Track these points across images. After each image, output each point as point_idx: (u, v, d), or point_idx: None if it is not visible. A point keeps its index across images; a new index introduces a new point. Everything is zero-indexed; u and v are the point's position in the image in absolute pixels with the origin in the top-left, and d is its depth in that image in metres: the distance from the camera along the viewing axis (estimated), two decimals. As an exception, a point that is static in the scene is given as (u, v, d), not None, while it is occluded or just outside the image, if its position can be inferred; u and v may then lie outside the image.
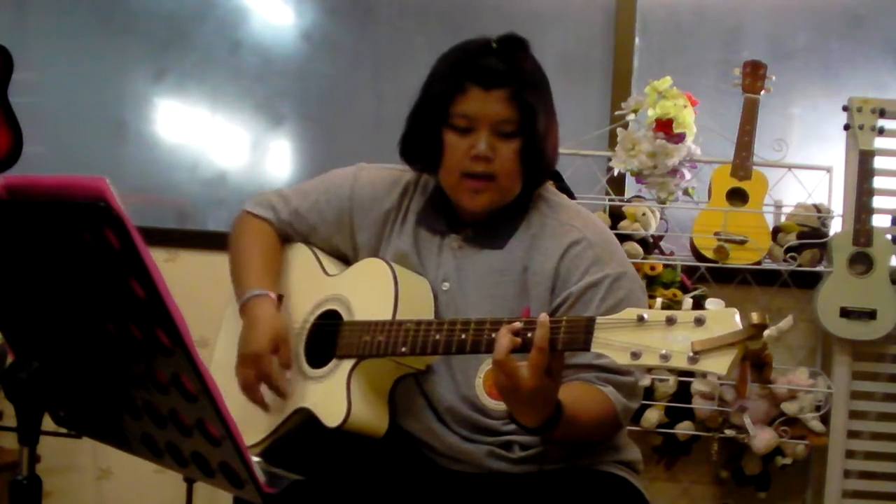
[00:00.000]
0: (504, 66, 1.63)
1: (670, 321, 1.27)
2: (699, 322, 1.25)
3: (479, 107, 1.63)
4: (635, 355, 1.28)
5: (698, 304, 1.32)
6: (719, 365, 1.22)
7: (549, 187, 1.80)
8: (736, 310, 1.25)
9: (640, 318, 1.29)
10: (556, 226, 1.69)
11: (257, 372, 1.69)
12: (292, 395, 1.71)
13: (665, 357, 1.25)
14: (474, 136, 1.63)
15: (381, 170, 1.85)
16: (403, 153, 1.75)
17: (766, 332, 1.22)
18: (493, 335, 1.45)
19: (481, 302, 1.66)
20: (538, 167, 1.68)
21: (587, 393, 1.56)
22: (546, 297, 1.64)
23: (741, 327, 1.22)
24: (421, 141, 1.70)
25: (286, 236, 1.88)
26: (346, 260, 1.85)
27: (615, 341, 1.31)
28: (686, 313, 1.27)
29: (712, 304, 1.28)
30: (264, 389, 1.71)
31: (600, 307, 1.59)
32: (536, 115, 1.63)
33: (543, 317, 1.38)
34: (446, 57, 1.69)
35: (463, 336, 1.51)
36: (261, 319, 1.71)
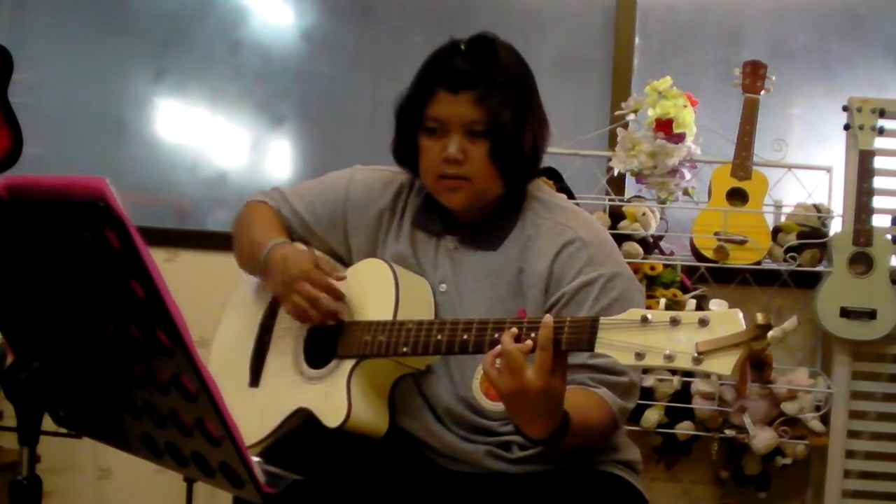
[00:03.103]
0: (472, 67, 1.63)
1: (674, 322, 1.27)
2: (703, 323, 1.25)
3: (447, 110, 1.63)
4: (639, 356, 1.28)
5: (700, 304, 1.32)
6: (723, 366, 1.22)
7: (546, 188, 1.80)
8: (740, 310, 1.25)
9: (644, 319, 1.29)
10: (551, 226, 1.69)
11: (311, 283, 1.67)
12: (292, 395, 1.71)
13: (669, 358, 1.25)
14: (446, 139, 1.64)
15: (375, 171, 1.85)
16: (395, 157, 1.77)
17: (771, 333, 1.22)
18: (496, 335, 1.45)
19: (477, 304, 1.66)
20: (515, 167, 1.67)
21: (586, 400, 1.55)
22: (540, 297, 1.64)
23: (745, 328, 1.23)
24: (403, 145, 1.72)
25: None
26: (343, 262, 1.85)
27: (619, 342, 1.31)
28: (690, 314, 1.27)
29: (716, 304, 1.29)
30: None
31: (594, 307, 1.59)
32: (504, 115, 1.63)
33: (548, 318, 1.37)
34: (424, 62, 1.70)
35: (465, 336, 1.51)
36: (292, 254, 1.73)
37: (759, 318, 1.21)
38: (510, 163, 1.66)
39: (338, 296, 1.69)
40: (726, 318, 1.25)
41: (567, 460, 1.64)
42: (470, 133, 1.64)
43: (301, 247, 1.84)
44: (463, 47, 1.66)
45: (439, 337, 1.54)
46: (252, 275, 1.87)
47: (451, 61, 1.65)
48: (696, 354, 1.23)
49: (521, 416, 1.42)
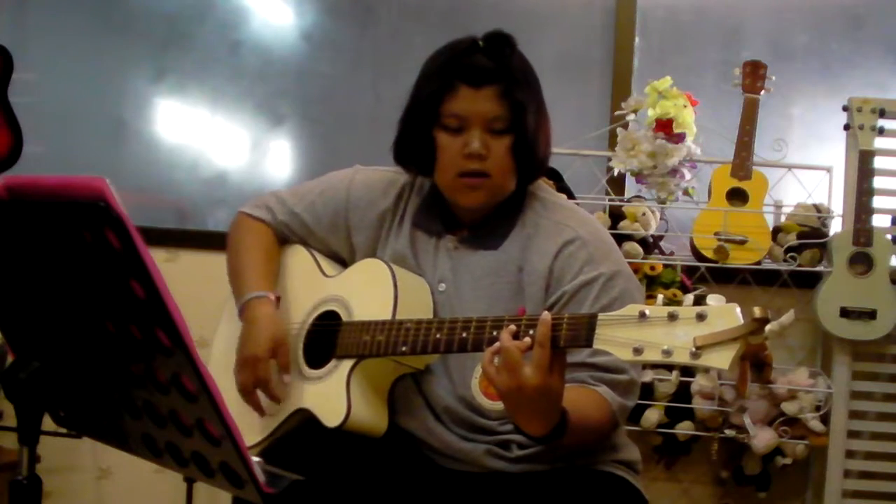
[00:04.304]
0: (492, 63, 1.63)
1: (672, 317, 1.27)
2: (701, 317, 1.25)
3: (469, 105, 1.63)
4: (637, 351, 1.28)
5: (698, 301, 1.32)
6: (721, 360, 1.22)
7: (545, 187, 1.80)
8: (737, 305, 1.25)
9: (642, 315, 1.30)
10: (551, 225, 1.69)
11: (254, 377, 1.69)
12: (292, 395, 1.71)
13: (667, 353, 1.26)
14: (467, 135, 1.64)
15: (377, 171, 1.85)
16: (397, 157, 1.75)
17: (768, 327, 1.22)
18: (495, 333, 1.45)
19: (477, 303, 1.66)
20: (531, 163, 1.68)
21: (585, 398, 1.55)
22: (541, 296, 1.64)
23: (743, 322, 1.23)
24: (414, 143, 1.70)
25: (283, 238, 1.88)
26: (342, 262, 1.85)
27: (617, 338, 1.31)
28: (687, 309, 1.27)
29: (714, 299, 1.29)
30: (262, 394, 1.71)
31: (594, 306, 1.59)
32: (527, 111, 1.63)
33: (546, 315, 1.37)
34: (434, 58, 1.69)
35: (464, 335, 1.51)
36: (260, 322, 1.72)
37: (757, 311, 1.22)
38: (528, 159, 1.67)
39: (273, 397, 1.70)
40: (724, 312, 1.25)
41: (567, 459, 1.64)
42: (490, 130, 1.64)
43: (298, 252, 1.83)
44: (481, 43, 1.66)
45: (438, 336, 1.54)
46: None
47: (472, 57, 1.65)
48: (693, 349, 1.24)
49: (520, 414, 1.42)
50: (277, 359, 1.70)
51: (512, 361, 1.37)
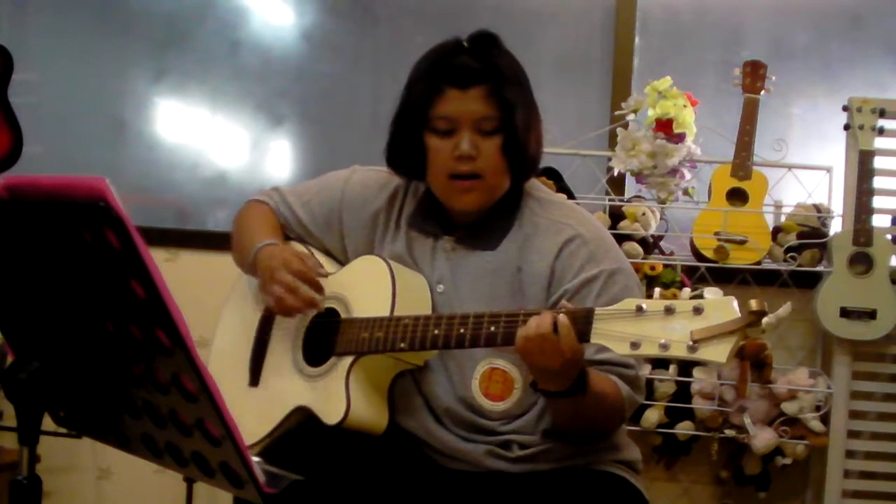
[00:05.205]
0: (478, 63, 1.63)
1: (669, 311, 1.27)
2: (697, 311, 1.25)
3: (457, 107, 1.63)
4: (634, 345, 1.28)
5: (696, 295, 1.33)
6: (719, 353, 1.22)
7: (541, 186, 1.80)
8: (734, 298, 1.25)
9: (639, 309, 1.30)
10: (550, 224, 1.69)
11: (292, 271, 1.67)
12: (291, 393, 1.71)
13: (664, 346, 1.25)
14: (457, 137, 1.64)
15: (373, 172, 1.85)
16: (390, 161, 1.76)
17: (765, 320, 1.22)
18: (492, 328, 1.46)
19: (476, 303, 1.66)
20: (523, 162, 1.68)
21: (602, 378, 1.57)
22: (542, 295, 1.64)
23: (740, 315, 1.23)
24: (405, 148, 1.70)
25: (283, 230, 1.89)
26: (339, 262, 1.85)
27: (614, 332, 1.31)
28: (684, 302, 1.27)
29: (710, 293, 1.29)
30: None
31: (596, 303, 1.59)
32: (516, 109, 1.63)
33: (546, 312, 1.39)
34: (421, 61, 1.69)
35: (462, 330, 1.51)
36: (279, 250, 1.73)
37: (753, 304, 1.22)
38: (519, 157, 1.66)
39: (317, 286, 1.69)
40: (720, 305, 1.25)
41: (567, 459, 1.64)
42: (480, 130, 1.63)
43: (298, 246, 1.84)
44: (466, 44, 1.66)
45: (436, 332, 1.55)
46: (245, 273, 1.87)
47: (457, 58, 1.65)
48: (691, 342, 1.24)
49: (543, 378, 1.48)
50: (305, 263, 1.70)
51: (549, 343, 1.40)
